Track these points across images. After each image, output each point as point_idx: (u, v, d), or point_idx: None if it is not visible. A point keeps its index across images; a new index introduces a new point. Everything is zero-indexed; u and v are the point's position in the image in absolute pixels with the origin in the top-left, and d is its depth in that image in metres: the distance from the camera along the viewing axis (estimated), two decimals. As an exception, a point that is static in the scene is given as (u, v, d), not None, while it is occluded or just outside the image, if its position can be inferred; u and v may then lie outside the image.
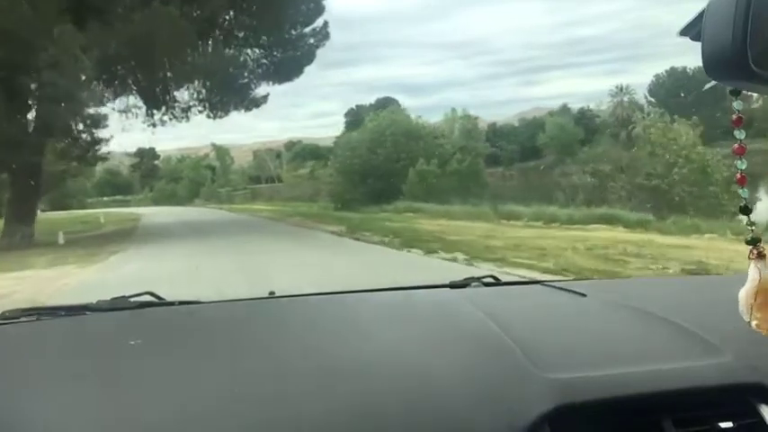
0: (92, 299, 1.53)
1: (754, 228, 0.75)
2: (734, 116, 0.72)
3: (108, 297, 1.54)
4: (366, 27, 70.00)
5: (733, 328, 0.96)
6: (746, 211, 0.75)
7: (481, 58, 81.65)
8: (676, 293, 1.70)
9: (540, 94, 62.83)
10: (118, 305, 1.50)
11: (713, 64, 0.66)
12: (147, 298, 1.58)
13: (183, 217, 35.59)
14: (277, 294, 1.75)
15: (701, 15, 0.66)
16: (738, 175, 0.74)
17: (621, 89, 49.96)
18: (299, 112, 73.49)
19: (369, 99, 66.44)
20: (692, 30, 0.69)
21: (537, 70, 74.71)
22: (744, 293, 0.78)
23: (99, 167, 66.12)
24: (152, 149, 68.67)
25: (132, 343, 1.16)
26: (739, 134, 0.73)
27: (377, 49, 72.39)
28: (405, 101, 64.12)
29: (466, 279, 1.83)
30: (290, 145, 66.66)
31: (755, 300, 0.78)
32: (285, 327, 1.34)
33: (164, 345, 1.19)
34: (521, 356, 1.00)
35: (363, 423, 0.86)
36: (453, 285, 1.77)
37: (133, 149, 62.27)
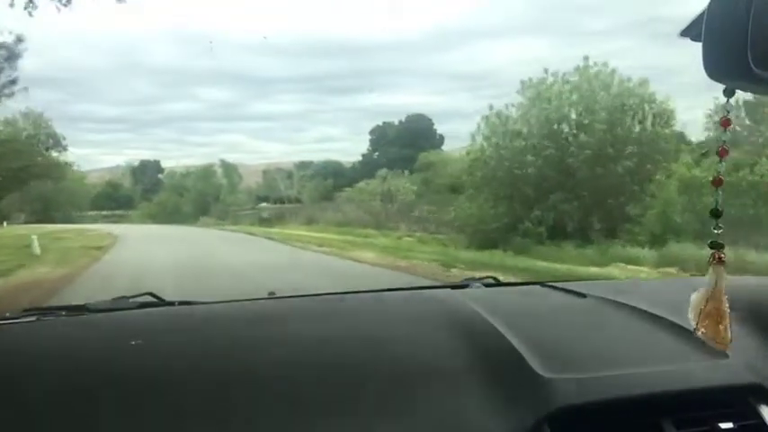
0: None
1: (720, 232, 0.67)
2: (723, 117, 0.65)
3: None
4: (372, 55, 60.69)
5: (733, 329, 0.84)
6: (716, 214, 0.67)
7: (488, 91, 66.96)
8: (676, 294, 1.34)
9: None
10: (118, 305, 1.36)
11: (714, 65, 0.58)
12: (148, 298, 1.42)
13: (197, 247, 17.28)
14: (277, 295, 1.54)
15: (701, 16, 0.59)
16: (715, 177, 0.67)
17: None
18: (304, 135, 61.20)
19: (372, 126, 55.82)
20: (693, 31, 0.61)
21: None
22: (695, 298, 0.70)
23: (99, 179, 51.62)
24: (156, 162, 56.29)
25: (133, 343, 1.08)
26: (724, 136, 0.65)
27: (383, 77, 65.38)
28: None
29: (466, 279, 1.63)
30: (303, 165, 53.98)
31: (705, 306, 0.69)
32: (285, 327, 1.21)
33: (164, 345, 1.11)
34: (521, 357, 0.94)
35: (364, 423, 0.82)
36: (454, 286, 1.58)
37: (137, 163, 53.33)
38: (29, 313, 1.32)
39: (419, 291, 1.66)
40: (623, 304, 1.24)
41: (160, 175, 54.83)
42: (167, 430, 0.80)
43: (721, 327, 0.69)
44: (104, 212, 48.62)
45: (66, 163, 36.00)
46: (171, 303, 1.40)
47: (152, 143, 60.78)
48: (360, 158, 51.19)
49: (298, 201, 45.60)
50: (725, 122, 0.64)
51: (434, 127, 52.26)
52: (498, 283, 1.66)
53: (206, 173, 48.63)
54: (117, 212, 49.47)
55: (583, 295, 1.34)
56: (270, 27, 54.04)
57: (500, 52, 56.87)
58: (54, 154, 35.88)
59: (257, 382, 0.91)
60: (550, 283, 1.52)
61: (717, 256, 0.67)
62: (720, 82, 0.59)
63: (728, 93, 0.62)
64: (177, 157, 66.98)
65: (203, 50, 53.27)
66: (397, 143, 47.45)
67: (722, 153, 0.65)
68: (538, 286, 1.54)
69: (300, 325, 1.21)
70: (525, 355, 0.93)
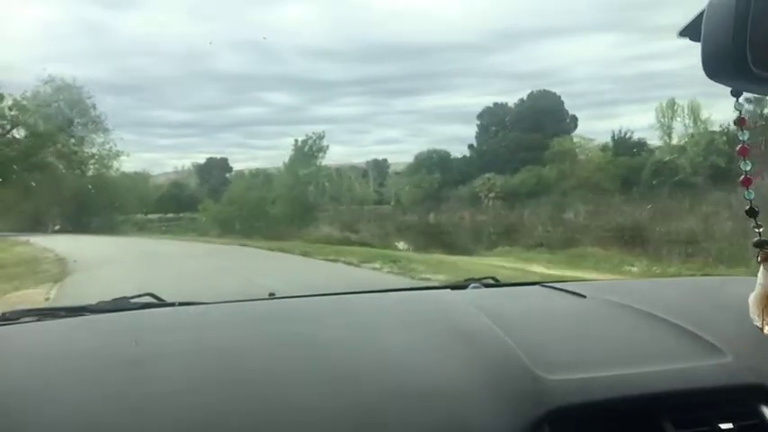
0: None
1: (761, 230, 0.68)
2: (737, 116, 0.66)
3: None
4: (432, 56, 53.27)
5: (733, 329, 0.89)
6: (753, 213, 0.67)
7: (552, 90, 54.78)
8: (676, 294, 1.42)
9: (612, 127, 45.45)
10: (118, 306, 1.35)
11: (713, 65, 0.58)
12: (148, 299, 1.41)
13: None
14: (277, 296, 1.52)
15: (700, 16, 0.59)
16: (743, 177, 0.66)
17: None
18: (365, 138, 58.59)
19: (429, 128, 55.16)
20: (692, 30, 0.61)
21: (608, 103, 56.44)
22: (753, 298, 0.72)
23: (164, 180, 45.05)
24: (224, 159, 46.80)
25: (133, 344, 1.09)
26: (742, 135, 0.66)
27: (442, 79, 58.85)
28: (471, 130, 41.05)
29: (466, 280, 1.57)
30: (377, 164, 44.67)
31: (766, 304, 0.70)
32: (285, 328, 1.21)
33: (164, 346, 1.11)
34: (521, 357, 0.95)
35: (364, 423, 0.83)
36: (453, 287, 1.54)
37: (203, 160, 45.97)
38: (29, 314, 1.33)
39: (419, 291, 1.65)
40: (623, 304, 1.22)
41: (228, 175, 48.01)
42: (168, 429, 0.83)
43: None
44: (169, 215, 41.11)
45: (105, 152, 24.91)
46: (171, 304, 1.40)
47: (219, 147, 62.67)
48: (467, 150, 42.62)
49: (377, 202, 38.23)
50: (741, 121, 0.64)
51: (565, 106, 38.51)
52: (498, 284, 1.60)
53: (311, 149, 31.29)
54: (181, 215, 41.58)
55: (582, 296, 1.32)
56: (332, 32, 49.72)
57: (563, 51, 51.95)
58: (98, 140, 25.11)
59: (257, 381, 0.94)
60: (550, 284, 1.49)
61: (764, 254, 0.66)
62: (720, 82, 0.59)
63: (736, 93, 0.62)
64: (243, 160, 59.87)
65: (268, 57, 49.85)
66: (517, 128, 38.27)
67: (742, 152, 0.64)
68: (538, 287, 1.50)
69: (300, 325, 1.21)
70: (525, 356, 0.95)
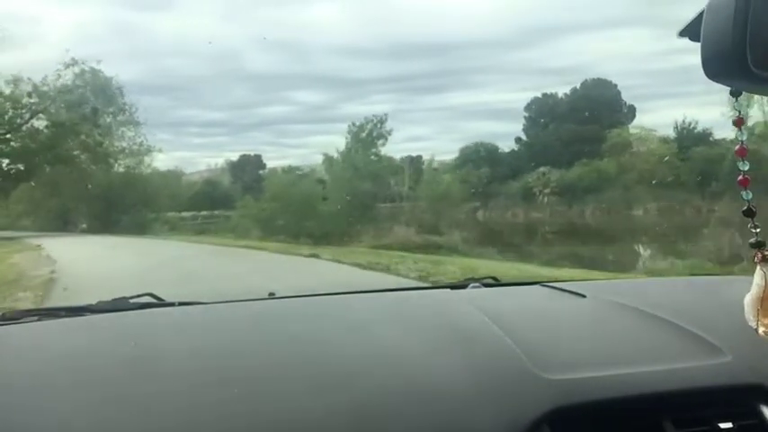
0: None
1: (758, 231, 0.69)
2: (735, 117, 0.68)
3: None
4: (460, 53, 47.79)
5: (733, 329, 0.88)
6: (750, 213, 0.68)
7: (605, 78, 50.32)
8: (676, 294, 1.42)
9: (648, 122, 39.16)
10: (118, 306, 1.36)
11: (712, 65, 0.58)
12: (148, 299, 1.43)
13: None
14: (277, 295, 1.53)
15: (700, 16, 0.59)
16: (741, 177, 0.67)
17: None
18: (394, 135, 46.10)
19: (470, 123, 49.72)
20: (692, 30, 0.62)
21: (644, 98, 47.65)
22: (749, 299, 0.70)
23: (197, 178, 41.45)
24: (258, 156, 42.15)
25: (133, 344, 1.11)
26: (740, 135, 0.67)
27: (471, 75, 52.62)
28: (499, 127, 43.83)
29: (466, 280, 1.59)
30: (412, 160, 35.85)
31: (762, 305, 0.69)
32: (285, 327, 1.22)
33: (164, 346, 1.12)
34: (520, 357, 0.96)
35: (363, 423, 0.85)
36: (453, 286, 1.54)
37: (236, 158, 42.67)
38: (30, 314, 1.33)
39: (419, 291, 1.65)
40: (623, 304, 1.21)
41: (261, 172, 44.02)
42: (168, 429, 0.84)
43: None
44: (203, 212, 38.15)
45: (136, 146, 22.89)
46: (171, 304, 1.40)
47: (250, 145, 57.31)
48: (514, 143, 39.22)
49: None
50: (739, 121, 0.64)
51: (622, 96, 35.55)
52: (498, 284, 1.58)
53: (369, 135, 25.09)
54: (215, 213, 37.77)
55: (582, 296, 1.31)
56: (359, 30, 48.76)
57: (592, 46, 49.06)
58: (129, 134, 23.04)
59: (257, 381, 0.95)
60: (550, 284, 1.48)
61: (761, 255, 0.66)
62: (720, 82, 0.58)
63: (735, 93, 0.62)
64: (273, 158, 58.09)
65: (297, 56, 44.76)
66: (569, 119, 34.93)
67: (741, 152, 0.64)
68: (538, 286, 1.49)
69: (300, 325, 1.21)
70: (525, 356, 0.95)
